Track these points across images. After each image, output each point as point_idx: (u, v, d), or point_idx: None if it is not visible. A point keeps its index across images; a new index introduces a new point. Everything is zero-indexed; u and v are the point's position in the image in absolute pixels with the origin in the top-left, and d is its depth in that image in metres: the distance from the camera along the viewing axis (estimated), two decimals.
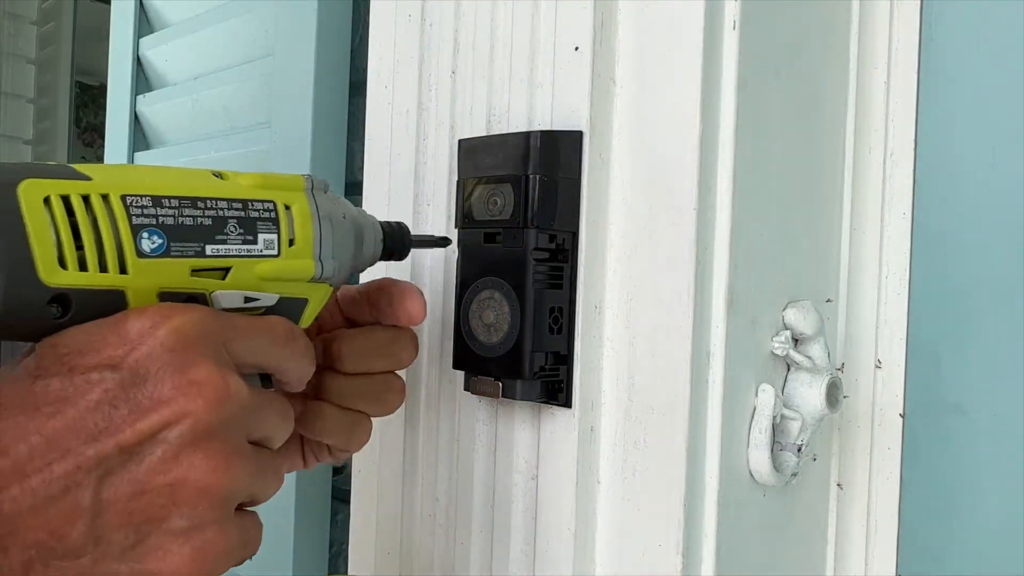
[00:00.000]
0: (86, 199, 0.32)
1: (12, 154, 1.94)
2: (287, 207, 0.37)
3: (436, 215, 0.50)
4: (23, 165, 0.32)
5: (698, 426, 0.42)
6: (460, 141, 0.47)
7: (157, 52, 1.00)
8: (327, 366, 0.44)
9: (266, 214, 0.36)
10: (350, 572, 0.56)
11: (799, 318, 0.45)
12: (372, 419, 0.45)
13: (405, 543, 0.52)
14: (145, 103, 1.01)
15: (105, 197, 0.32)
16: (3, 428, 0.29)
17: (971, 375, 0.48)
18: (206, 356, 0.32)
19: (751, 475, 0.44)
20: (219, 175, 0.36)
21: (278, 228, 0.36)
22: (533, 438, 0.45)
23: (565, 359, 0.44)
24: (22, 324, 0.31)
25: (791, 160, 0.46)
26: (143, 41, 1.01)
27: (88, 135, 2.42)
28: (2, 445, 0.29)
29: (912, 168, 0.48)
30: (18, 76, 1.99)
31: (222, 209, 0.35)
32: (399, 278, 0.44)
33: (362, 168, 0.56)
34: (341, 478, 0.78)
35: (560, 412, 0.44)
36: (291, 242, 0.37)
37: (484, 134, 0.47)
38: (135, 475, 0.30)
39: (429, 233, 0.47)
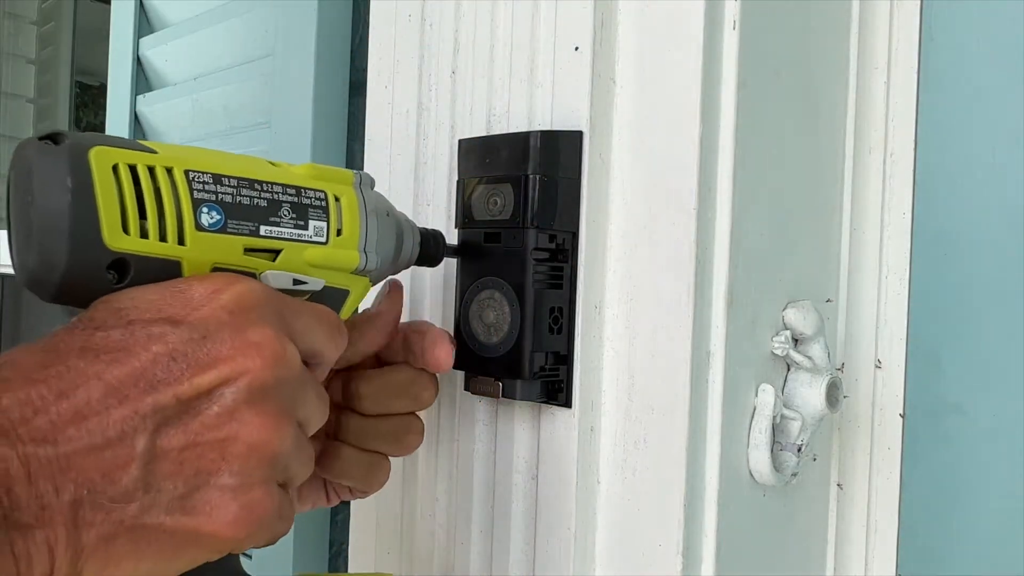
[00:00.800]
0: (151, 170, 0.33)
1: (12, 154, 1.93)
2: (336, 198, 0.38)
3: (436, 215, 0.50)
4: (93, 134, 0.33)
5: (698, 426, 0.42)
6: (460, 141, 0.47)
7: (157, 52, 1.00)
8: (346, 406, 0.44)
9: (317, 202, 0.37)
10: (350, 571, 0.56)
11: (799, 318, 0.45)
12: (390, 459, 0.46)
13: (405, 543, 0.52)
14: (145, 103, 1.01)
15: (169, 170, 0.33)
16: (62, 371, 0.29)
17: (971, 375, 0.48)
18: (265, 320, 0.33)
19: (751, 475, 0.44)
20: (273, 164, 0.37)
21: (327, 217, 0.38)
22: (533, 438, 0.45)
23: (565, 359, 0.44)
24: (80, 286, 0.32)
25: (791, 160, 0.46)
26: (143, 41, 1.01)
27: None
28: (61, 386, 0.29)
29: (912, 168, 0.48)
30: (18, 76, 1.99)
31: (277, 193, 0.36)
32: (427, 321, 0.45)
33: (362, 168, 0.56)
34: None
35: (560, 412, 0.44)
36: (339, 232, 0.38)
37: (484, 134, 0.47)
38: (190, 427, 0.30)
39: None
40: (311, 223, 0.37)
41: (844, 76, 0.49)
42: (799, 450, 0.45)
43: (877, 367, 0.49)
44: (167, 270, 0.33)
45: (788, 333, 0.45)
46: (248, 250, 0.35)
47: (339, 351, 0.38)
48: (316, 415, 0.36)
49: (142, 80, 1.03)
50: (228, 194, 0.35)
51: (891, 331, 0.48)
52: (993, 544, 0.47)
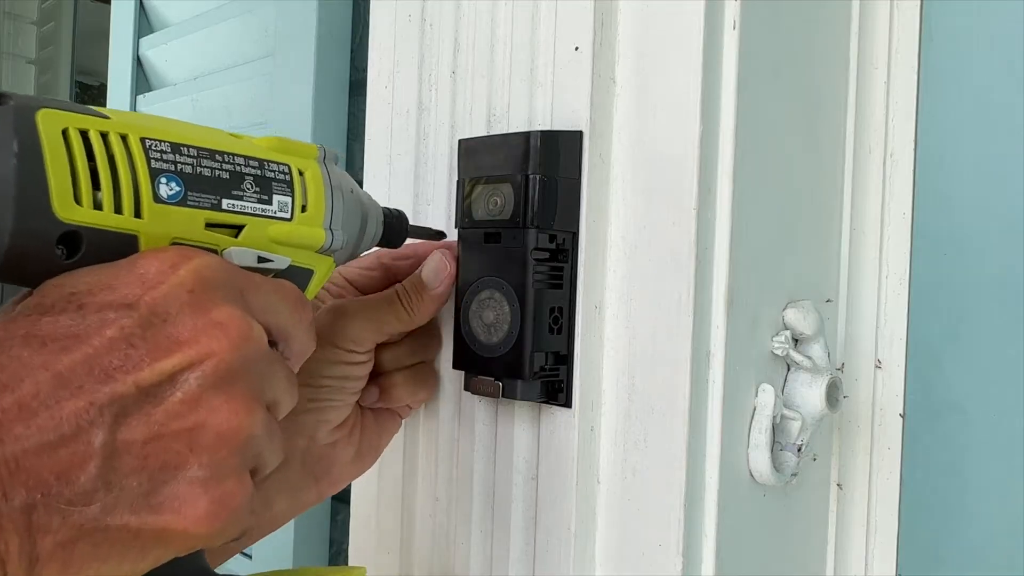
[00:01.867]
0: (104, 136, 0.30)
1: None
2: (300, 172, 0.36)
3: (436, 215, 0.50)
4: (39, 96, 0.30)
5: (698, 426, 0.42)
6: (460, 141, 0.47)
7: (157, 52, 1.00)
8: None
9: (281, 176, 0.36)
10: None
11: (799, 318, 0.45)
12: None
13: (405, 543, 0.52)
14: (145, 103, 1.01)
15: (124, 137, 0.31)
16: (3, 362, 0.27)
17: (971, 375, 0.48)
18: (227, 299, 0.31)
19: (751, 475, 0.44)
20: (234, 135, 0.36)
21: (292, 192, 0.36)
22: (533, 438, 0.45)
23: (565, 359, 0.44)
24: (27, 261, 0.29)
25: (791, 160, 0.46)
26: (143, 41, 1.02)
27: None
28: (5, 380, 0.26)
29: (912, 168, 0.48)
30: (18, 76, 1.98)
31: (239, 165, 0.34)
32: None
33: (362, 168, 0.56)
34: None
35: (560, 412, 0.44)
36: (303, 208, 0.36)
37: (484, 134, 0.47)
38: (152, 417, 0.28)
39: (426, 226, 0.47)
40: (275, 198, 0.35)
41: (844, 76, 0.49)
42: (799, 450, 0.45)
43: (877, 367, 0.49)
44: (122, 245, 0.31)
45: (788, 333, 0.45)
46: (209, 225, 0.33)
47: (305, 328, 0.36)
48: (286, 397, 0.34)
49: (142, 80, 1.03)
50: (188, 164, 0.32)
51: (891, 331, 0.48)
52: (993, 544, 0.47)
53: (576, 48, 0.43)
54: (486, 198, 0.44)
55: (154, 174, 0.31)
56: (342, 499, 0.78)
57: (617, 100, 0.44)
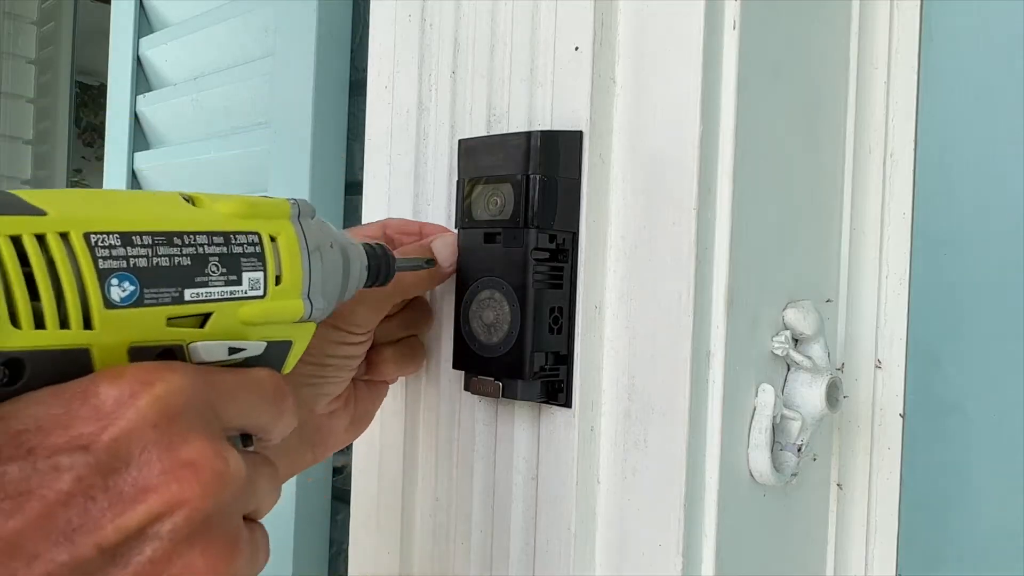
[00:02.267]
0: (41, 239, 0.26)
1: (12, 154, 1.94)
2: (272, 238, 0.32)
3: (436, 215, 0.50)
4: None
5: (698, 426, 0.42)
6: (460, 141, 0.47)
7: (157, 52, 1.00)
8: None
9: (250, 248, 0.31)
10: (350, 572, 0.56)
11: (799, 318, 0.45)
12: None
13: (405, 543, 0.52)
14: (145, 103, 1.01)
15: (65, 236, 0.27)
16: None
17: (971, 375, 0.48)
18: (195, 430, 0.27)
19: (751, 475, 0.44)
20: (190, 199, 0.32)
21: (264, 264, 0.32)
22: (533, 438, 0.45)
23: (565, 359, 0.44)
24: None
25: (791, 160, 0.46)
26: (143, 41, 1.02)
27: (88, 135, 2.42)
28: None
29: (912, 168, 0.48)
30: (18, 76, 1.99)
31: (202, 245, 0.30)
32: None
33: (362, 168, 0.56)
34: (341, 478, 0.78)
35: (560, 412, 0.44)
36: (278, 279, 0.32)
37: (484, 134, 0.47)
38: None
39: (413, 256, 0.44)
40: (245, 275, 0.31)
41: (844, 76, 0.49)
42: (799, 450, 0.45)
43: (877, 367, 0.49)
44: (73, 361, 0.27)
45: (788, 333, 0.45)
46: (172, 319, 0.29)
47: (286, 417, 0.33)
48: (268, 500, 0.31)
49: (142, 80, 1.03)
50: (142, 257, 0.28)
51: (891, 331, 0.48)
52: (993, 544, 0.47)
53: (576, 48, 0.43)
54: (486, 198, 0.44)
55: (103, 276, 0.27)
56: (342, 499, 0.78)
57: (617, 100, 0.44)
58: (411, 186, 0.52)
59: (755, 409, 0.44)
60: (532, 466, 0.45)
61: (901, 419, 0.48)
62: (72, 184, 2.10)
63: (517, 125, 0.46)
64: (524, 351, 0.43)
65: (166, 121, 0.99)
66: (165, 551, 0.26)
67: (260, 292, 0.32)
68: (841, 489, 0.50)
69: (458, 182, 0.46)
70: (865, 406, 0.49)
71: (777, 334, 0.45)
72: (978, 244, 0.48)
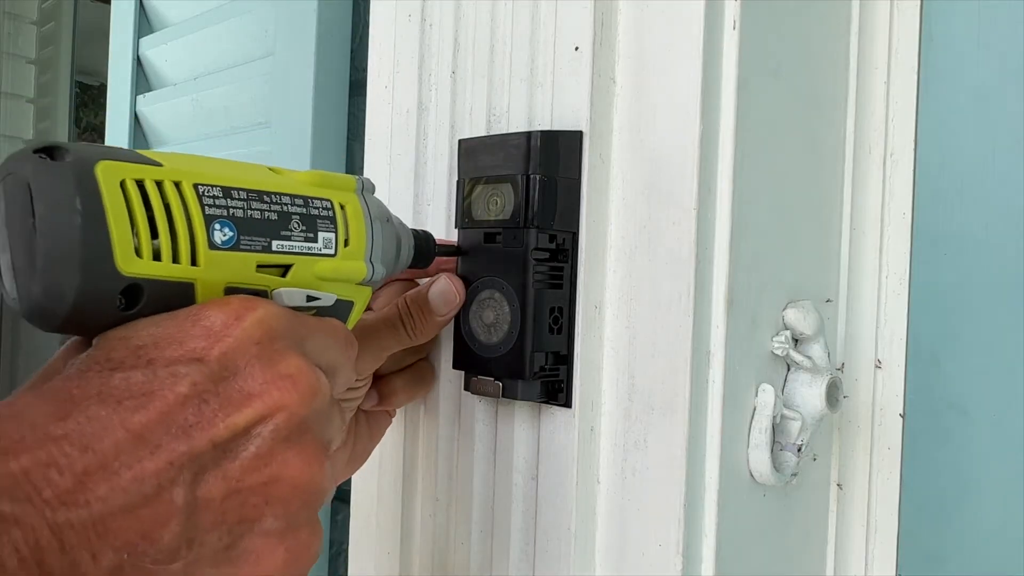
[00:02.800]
0: (159, 185, 0.30)
1: None
2: (342, 207, 0.37)
3: (436, 215, 0.50)
4: (92, 146, 0.30)
5: (698, 426, 0.42)
6: (460, 141, 0.47)
7: (157, 52, 1.00)
8: None
9: (325, 212, 0.36)
10: (350, 572, 0.56)
11: (799, 318, 0.45)
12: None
13: (405, 543, 0.52)
14: (145, 103, 1.01)
15: (178, 184, 0.31)
16: (83, 422, 0.26)
17: (971, 375, 0.48)
18: (292, 349, 0.31)
19: (751, 475, 0.44)
20: (274, 171, 0.36)
21: (335, 227, 0.36)
22: (533, 438, 0.45)
23: (565, 359, 0.44)
24: (89, 316, 0.29)
25: (791, 160, 0.46)
26: (143, 41, 1.02)
27: (88, 135, 2.42)
28: (84, 440, 0.26)
29: (912, 168, 0.48)
30: (18, 76, 1.99)
31: (286, 205, 0.34)
32: None
33: (362, 168, 0.56)
34: None
35: (560, 412, 0.44)
36: (346, 243, 0.36)
37: (484, 134, 0.47)
38: (229, 472, 0.28)
39: (449, 244, 0.47)
40: (320, 235, 0.35)
41: (844, 76, 0.49)
42: (799, 450, 0.45)
43: (877, 367, 0.49)
44: (180, 293, 0.31)
45: (788, 333, 0.45)
46: (260, 267, 0.33)
47: (353, 365, 0.36)
48: (339, 436, 0.35)
49: (142, 80, 1.03)
50: (239, 208, 0.32)
51: (891, 331, 0.48)
52: (993, 544, 0.47)
53: (576, 48, 0.43)
54: (486, 198, 0.44)
55: (208, 221, 0.31)
56: (342, 499, 0.78)
57: (617, 100, 0.44)
58: (411, 186, 0.52)
59: (755, 409, 0.44)
60: (532, 466, 0.45)
61: (901, 419, 0.48)
62: None
63: (517, 125, 0.46)
64: (524, 351, 0.43)
65: (166, 121, 0.99)
66: (268, 448, 0.29)
67: (332, 251, 0.36)
68: (841, 489, 0.50)
69: (458, 182, 0.46)
70: (865, 406, 0.49)
71: (777, 334, 0.45)
72: (978, 244, 0.48)
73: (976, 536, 0.48)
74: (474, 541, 0.48)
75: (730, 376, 0.42)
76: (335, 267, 0.36)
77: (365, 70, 0.56)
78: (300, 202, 0.35)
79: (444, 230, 0.50)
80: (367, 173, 0.55)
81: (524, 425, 0.46)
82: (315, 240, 0.35)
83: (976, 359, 0.48)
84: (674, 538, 0.41)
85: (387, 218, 0.40)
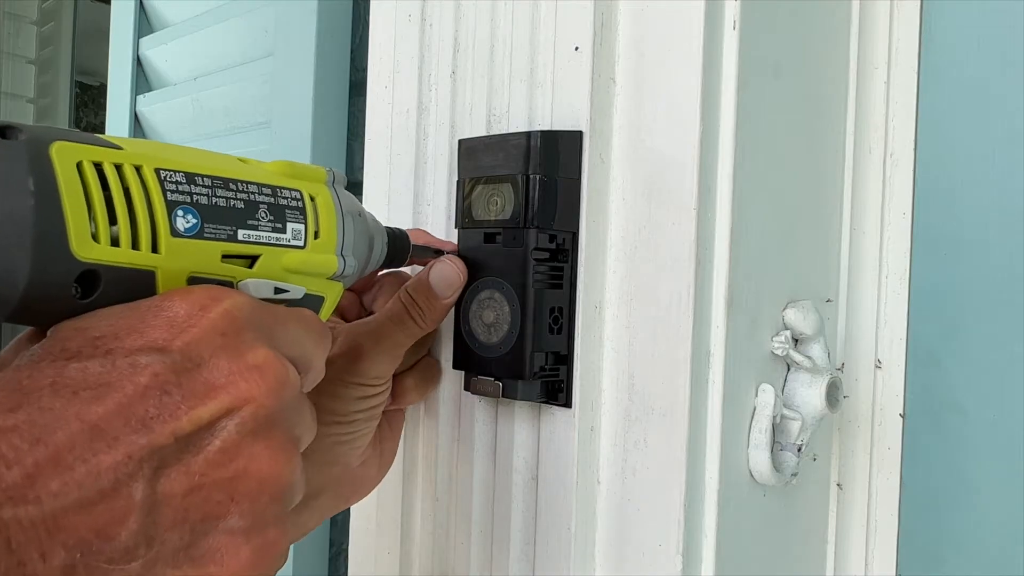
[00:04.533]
0: (119, 168, 0.29)
1: None
2: (312, 198, 0.36)
3: (436, 215, 0.50)
4: (47, 127, 0.29)
5: (698, 426, 0.42)
6: (460, 141, 0.47)
7: (157, 52, 1.00)
8: None
9: (294, 203, 0.35)
10: (350, 572, 0.56)
11: (799, 318, 0.45)
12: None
13: (405, 543, 0.52)
14: (145, 103, 1.01)
15: (138, 168, 0.29)
16: (34, 414, 0.25)
17: (971, 375, 0.48)
18: (260, 340, 0.30)
19: (751, 475, 0.44)
20: (242, 160, 0.35)
21: (305, 219, 0.35)
22: (533, 438, 0.45)
23: (565, 359, 0.44)
24: (42, 303, 0.28)
25: (791, 160, 0.46)
26: (143, 41, 1.02)
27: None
28: (35, 433, 0.25)
29: (912, 168, 0.48)
30: (18, 76, 1.99)
31: (253, 193, 0.33)
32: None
33: (362, 168, 0.56)
34: None
35: (560, 412, 0.44)
36: (316, 235, 0.35)
37: (484, 134, 0.47)
38: (192, 467, 0.27)
39: (426, 245, 0.46)
40: (289, 225, 0.34)
41: (844, 76, 0.49)
42: (799, 450, 0.45)
43: (877, 367, 0.49)
44: (139, 282, 0.29)
45: (788, 333, 0.45)
46: (225, 256, 0.32)
47: (325, 357, 0.35)
48: (309, 432, 0.33)
49: (142, 80, 1.03)
50: (203, 195, 0.31)
51: (891, 331, 0.48)
52: (993, 544, 0.47)
53: (576, 48, 0.43)
54: (486, 198, 0.44)
55: (171, 207, 0.30)
56: None
57: (617, 100, 0.44)
58: (411, 186, 0.52)
59: (755, 409, 0.44)
60: (532, 466, 0.45)
61: (901, 419, 0.48)
62: None
63: (517, 125, 0.46)
64: (524, 351, 0.43)
65: (166, 121, 0.99)
66: (233, 442, 0.28)
67: (301, 243, 0.35)
68: (841, 489, 0.50)
69: (458, 182, 0.46)
70: (865, 406, 0.49)
71: (777, 334, 0.45)
72: (978, 244, 0.48)
73: (976, 536, 0.48)
74: (474, 541, 0.48)
75: (730, 376, 0.42)
76: (304, 259, 0.35)
77: (365, 70, 0.56)
78: (268, 191, 0.34)
79: (444, 230, 0.50)
80: (367, 173, 0.55)
81: (524, 425, 0.46)
82: (283, 231, 0.34)
83: (976, 359, 0.48)
84: (674, 538, 0.41)
85: (359, 212, 0.39)
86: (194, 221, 0.31)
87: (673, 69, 0.42)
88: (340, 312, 0.48)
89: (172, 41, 0.97)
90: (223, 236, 0.32)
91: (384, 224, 0.42)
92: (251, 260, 0.33)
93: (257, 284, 0.33)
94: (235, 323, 0.29)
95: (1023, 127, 0.46)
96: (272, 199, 0.34)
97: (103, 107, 1.08)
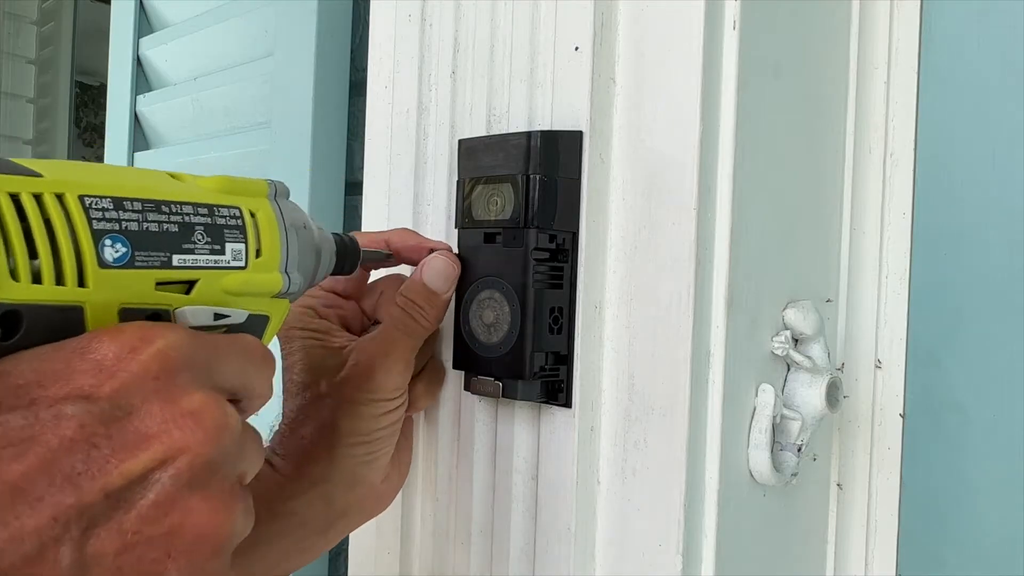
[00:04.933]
0: (38, 198, 0.27)
1: (12, 154, 1.94)
2: (252, 214, 0.34)
3: (436, 215, 0.50)
4: None
5: (698, 426, 0.42)
6: (460, 141, 0.47)
7: (157, 52, 1.00)
8: None
9: (232, 221, 0.33)
10: (350, 572, 0.56)
11: (799, 318, 0.45)
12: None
13: (405, 543, 0.52)
14: (145, 103, 1.01)
15: (60, 197, 0.27)
16: None
17: (971, 375, 0.48)
18: (195, 383, 0.28)
19: (751, 475, 0.44)
20: (175, 177, 0.33)
21: (245, 237, 0.33)
22: (533, 438, 0.45)
23: (565, 359, 0.44)
24: None
25: (791, 160, 0.46)
26: (143, 41, 1.01)
27: (88, 135, 2.42)
28: None
29: (912, 168, 0.48)
30: (18, 76, 1.99)
31: (188, 214, 0.31)
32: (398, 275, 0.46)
33: (362, 168, 0.56)
34: None
35: (560, 412, 0.44)
36: (258, 252, 0.33)
37: (484, 134, 0.47)
38: (124, 525, 0.25)
39: (375, 250, 0.45)
40: (228, 246, 0.32)
41: (844, 76, 0.49)
42: (799, 450, 0.45)
43: (877, 367, 0.49)
44: (66, 319, 0.27)
45: (788, 333, 0.45)
46: (160, 284, 0.30)
47: (271, 383, 0.33)
48: (254, 466, 0.31)
49: (142, 80, 1.03)
50: (133, 221, 0.29)
51: (891, 331, 0.48)
52: (993, 544, 0.47)
53: (576, 48, 0.43)
54: (486, 198, 0.44)
55: (97, 236, 0.28)
56: None
57: (617, 100, 0.44)
58: (411, 186, 0.52)
59: (755, 409, 0.44)
60: (532, 466, 0.45)
61: (901, 419, 0.48)
62: None
63: (517, 125, 0.46)
64: (524, 351, 0.43)
65: (166, 121, 0.99)
66: (168, 495, 0.26)
67: (242, 263, 0.33)
68: (841, 489, 0.50)
69: (458, 182, 0.46)
70: (865, 406, 0.49)
71: (777, 334, 0.45)
72: (978, 244, 0.48)
73: (976, 536, 0.48)
74: (474, 541, 0.48)
75: (730, 376, 0.42)
76: (246, 280, 0.33)
77: (365, 70, 0.56)
78: (204, 211, 0.32)
79: (444, 230, 0.50)
80: (367, 173, 0.55)
81: (524, 425, 0.46)
82: (222, 252, 0.32)
83: (976, 359, 0.48)
84: (674, 538, 0.41)
85: (304, 224, 0.37)
86: (124, 250, 0.29)
87: (673, 69, 0.42)
88: (344, 323, 0.47)
89: (172, 41, 0.97)
90: (156, 263, 0.30)
91: (332, 232, 0.41)
92: (188, 285, 0.31)
93: (195, 311, 0.31)
94: (168, 365, 0.27)
95: (1023, 127, 0.46)
96: (209, 219, 0.32)
97: (103, 107, 1.08)
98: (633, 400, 0.43)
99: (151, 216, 0.30)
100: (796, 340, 0.46)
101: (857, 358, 0.49)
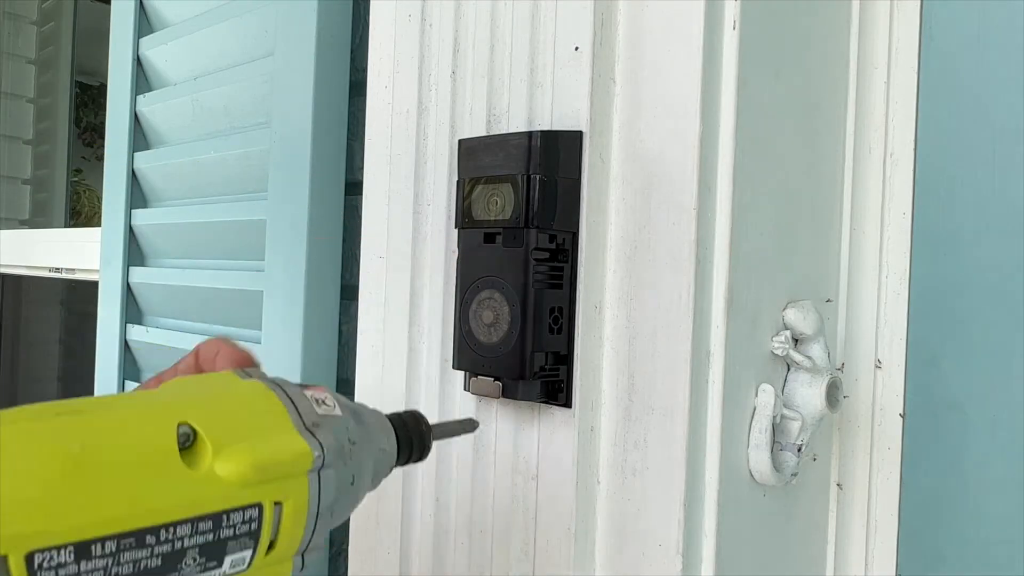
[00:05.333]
0: None
1: (12, 154, 1.94)
2: (278, 504, 0.28)
3: (436, 215, 0.50)
4: None
5: (698, 426, 0.42)
6: (460, 141, 0.47)
7: (157, 52, 1.00)
8: None
9: (244, 527, 0.28)
10: (350, 572, 0.56)
11: (799, 318, 0.45)
12: None
13: (405, 543, 0.52)
14: (145, 103, 1.01)
15: (3, 560, 0.23)
16: None
17: (971, 375, 0.48)
18: None
19: (751, 475, 0.44)
20: (190, 443, 0.27)
21: (256, 540, 0.28)
22: (533, 438, 0.45)
23: (565, 359, 0.44)
24: None
25: (791, 160, 0.46)
26: (143, 41, 1.01)
27: (88, 135, 2.42)
28: None
29: (912, 168, 0.48)
30: (18, 76, 1.99)
31: (183, 538, 0.26)
32: None
33: (362, 168, 0.56)
34: None
35: (560, 412, 0.44)
36: (272, 545, 0.29)
37: (484, 134, 0.47)
38: None
39: (452, 419, 0.40)
40: (228, 558, 0.27)
41: (844, 76, 0.49)
42: (799, 450, 0.45)
43: (877, 367, 0.49)
44: None
45: (788, 333, 0.45)
46: None
47: None
48: None
49: (142, 80, 1.03)
50: (99, 570, 0.24)
51: (891, 331, 0.48)
52: (993, 544, 0.47)
53: (576, 48, 0.43)
54: (486, 198, 0.44)
55: None
56: None
57: (617, 100, 0.44)
58: (411, 186, 0.52)
59: (755, 409, 0.44)
60: (532, 466, 0.45)
61: (901, 419, 0.48)
62: (72, 184, 2.10)
63: (517, 125, 0.46)
64: (524, 351, 0.43)
65: (166, 121, 0.99)
66: None
67: (243, 567, 0.28)
68: (841, 489, 0.50)
69: (458, 182, 0.46)
70: (865, 406, 0.49)
71: (777, 334, 0.45)
72: (978, 244, 0.48)
73: (976, 536, 0.48)
74: (474, 541, 0.48)
75: (730, 376, 0.42)
76: None
77: (365, 70, 0.56)
78: (207, 526, 0.27)
79: (444, 230, 0.50)
80: (367, 173, 0.55)
81: (524, 425, 0.46)
82: (218, 566, 0.27)
83: (976, 359, 0.48)
84: (674, 538, 0.41)
85: (351, 479, 0.31)
86: None
87: (673, 69, 0.42)
88: None
89: (172, 41, 0.97)
90: None
91: (389, 414, 0.35)
92: None
93: None
94: None
95: (1023, 127, 0.46)
96: (211, 534, 0.27)
97: (103, 107, 1.08)
98: (633, 400, 0.43)
99: (126, 555, 0.25)
100: (796, 340, 0.46)
101: (857, 358, 0.49)
